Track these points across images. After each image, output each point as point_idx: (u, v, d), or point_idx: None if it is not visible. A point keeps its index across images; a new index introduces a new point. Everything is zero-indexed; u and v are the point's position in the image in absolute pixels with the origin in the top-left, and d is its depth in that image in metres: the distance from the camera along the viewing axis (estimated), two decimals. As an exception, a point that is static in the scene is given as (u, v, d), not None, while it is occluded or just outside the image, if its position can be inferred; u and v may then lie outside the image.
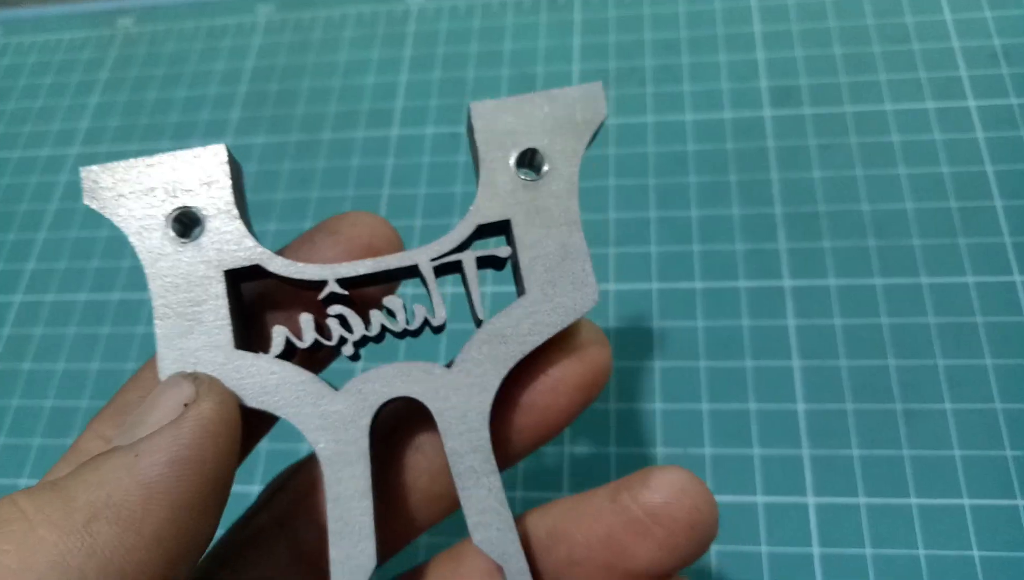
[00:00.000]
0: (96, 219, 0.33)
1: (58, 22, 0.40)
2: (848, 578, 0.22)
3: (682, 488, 0.15)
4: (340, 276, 0.16)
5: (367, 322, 0.16)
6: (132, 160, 0.16)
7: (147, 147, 0.34)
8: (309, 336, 0.16)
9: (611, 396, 0.26)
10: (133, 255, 0.32)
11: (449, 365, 0.16)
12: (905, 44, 0.31)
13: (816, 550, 0.23)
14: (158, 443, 0.13)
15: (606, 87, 0.32)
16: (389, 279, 0.16)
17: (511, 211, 0.16)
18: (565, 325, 0.16)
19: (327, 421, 0.15)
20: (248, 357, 0.15)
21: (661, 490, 0.15)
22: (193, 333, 0.15)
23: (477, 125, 0.16)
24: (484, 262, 0.16)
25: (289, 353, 0.16)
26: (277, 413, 0.15)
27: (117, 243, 0.32)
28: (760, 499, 0.24)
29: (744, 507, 0.24)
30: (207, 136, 0.34)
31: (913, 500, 0.23)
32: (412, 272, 0.16)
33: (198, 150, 0.16)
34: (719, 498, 0.24)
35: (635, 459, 0.25)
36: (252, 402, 0.15)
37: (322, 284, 0.16)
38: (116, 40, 0.38)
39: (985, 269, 0.26)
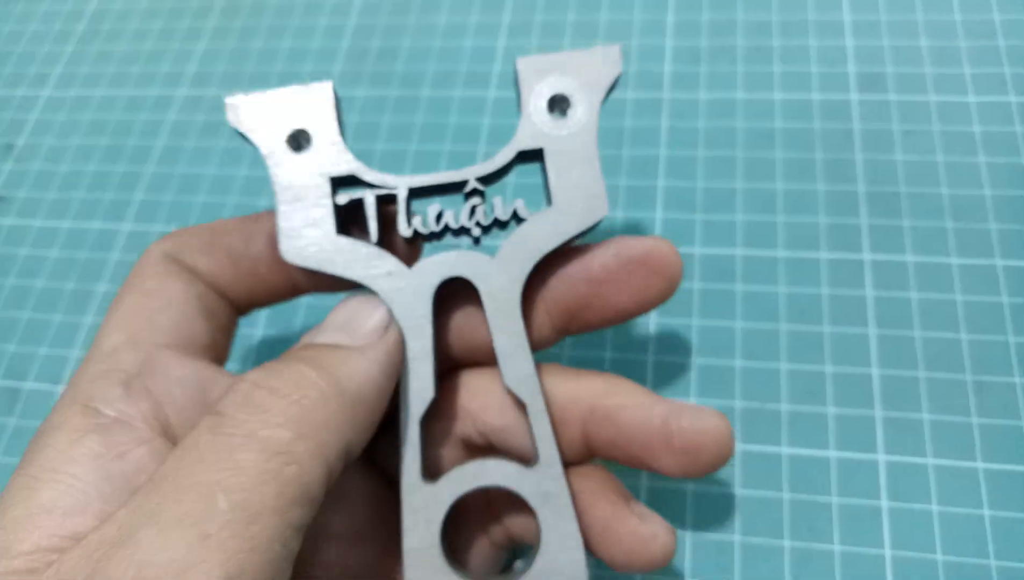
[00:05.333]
0: (202, 157, 0.35)
1: (166, -29, 0.41)
2: (914, 532, 0.24)
3: (720, 433, 0.19)
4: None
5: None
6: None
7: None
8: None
9: (693, 351, 0.28)
10: (239, 192, 0.34)
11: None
12: (991, 40, 0.32)
13: (884, 504, 0.24)
14: (380, 350, 0.18)
15: (697, 63, 0.33)
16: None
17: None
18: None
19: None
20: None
21: (708, 434, 0.19)
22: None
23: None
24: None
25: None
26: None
27: (222, 181, 0.34)
28: (832, 454, 0.25)
29: (818, 460, 0.25)
30: (311, 86, 0.36)
31: (980, 464, 0.25)
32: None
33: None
34: (795, 451, 0.26)
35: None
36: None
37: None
38: (222, -9, 0.40)
39: (1059, 256, 0.27)
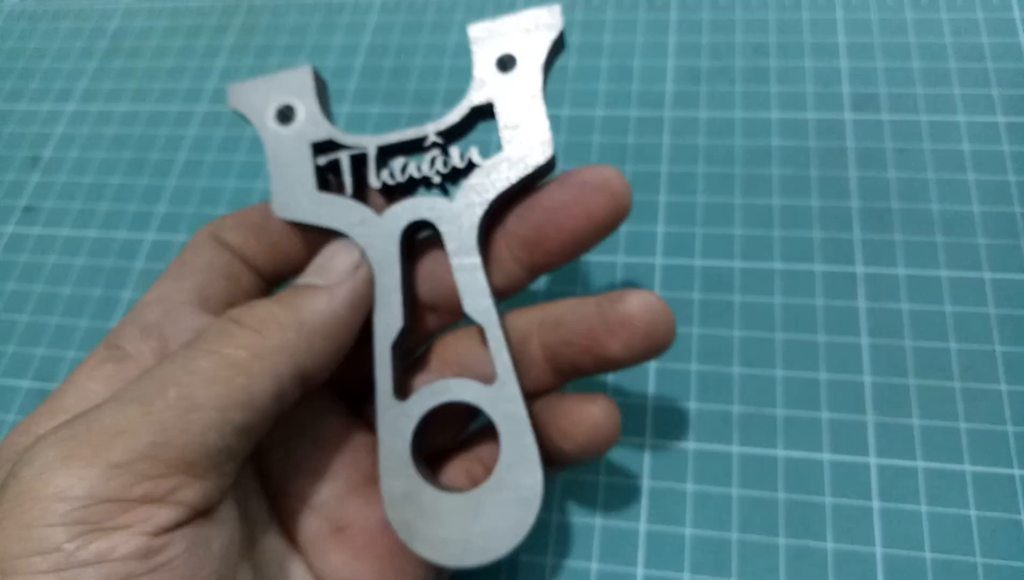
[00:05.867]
0: (222, 170, 0.36)
1: (186, -9, 0.43)
2: (904, 531, 0.25)
3: (648, 305, 0.21)
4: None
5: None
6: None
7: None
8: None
9: (693, 358, 0.29)
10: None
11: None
12: (980, 62, 0.33)
13: (876, 504, 0.26)
14: (347, 288, 0.21)
15: (698, 83, 0.35)
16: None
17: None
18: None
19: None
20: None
21: (633, 305, 0.21)
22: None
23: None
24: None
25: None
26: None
27: (242, 194, 0.36)
28: (826, 456, 0.27)
29: (812, 462, 0.27)
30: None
31: (967, 467, 0.26)
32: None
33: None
34: (790, 453, 0.27)
35: (715, 414, 0.28)
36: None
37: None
38: (241, 10, 0.42)
39: (1043, 269, 0.29)
